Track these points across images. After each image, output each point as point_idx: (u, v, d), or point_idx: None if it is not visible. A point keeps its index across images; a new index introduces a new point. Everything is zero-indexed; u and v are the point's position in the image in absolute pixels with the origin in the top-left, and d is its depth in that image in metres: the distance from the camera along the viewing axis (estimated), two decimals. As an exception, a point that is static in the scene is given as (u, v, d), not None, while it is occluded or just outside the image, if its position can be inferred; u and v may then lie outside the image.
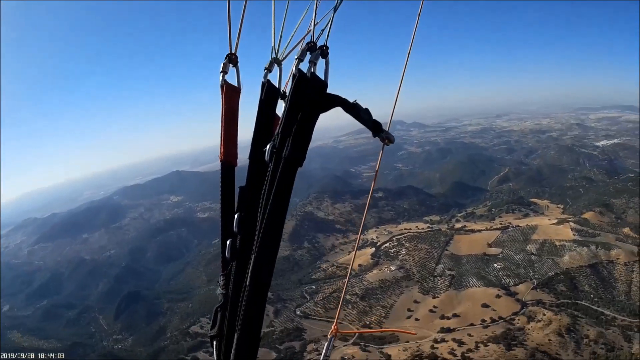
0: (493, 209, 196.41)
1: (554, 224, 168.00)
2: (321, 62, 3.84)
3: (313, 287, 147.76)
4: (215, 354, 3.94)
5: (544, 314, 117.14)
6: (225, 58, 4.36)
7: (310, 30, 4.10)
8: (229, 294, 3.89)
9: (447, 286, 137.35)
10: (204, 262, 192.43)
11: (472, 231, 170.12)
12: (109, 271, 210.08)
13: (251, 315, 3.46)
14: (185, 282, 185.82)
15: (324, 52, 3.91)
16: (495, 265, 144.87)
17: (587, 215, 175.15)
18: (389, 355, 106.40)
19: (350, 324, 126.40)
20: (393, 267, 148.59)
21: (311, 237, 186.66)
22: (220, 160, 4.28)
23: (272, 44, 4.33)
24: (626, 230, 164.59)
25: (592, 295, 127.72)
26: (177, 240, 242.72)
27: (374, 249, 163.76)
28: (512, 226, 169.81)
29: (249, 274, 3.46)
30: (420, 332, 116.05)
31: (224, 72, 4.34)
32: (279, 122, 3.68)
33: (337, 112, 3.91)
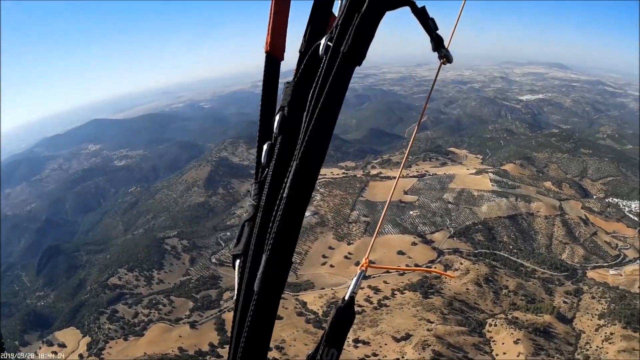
0: (410, 157, 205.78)
1: (472, 173, 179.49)
2: None
3: (228, 233, 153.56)
4: (236, 275, 3.73)
5: (461, 263, 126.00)
6: None
7: None
8: (260, 206, 3.64)
9: (362, 232, 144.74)
10: (120, 212, 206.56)
11: (388, 178, 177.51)
12: (30, 225, 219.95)
13: (285, 231, 3.20)
14: (102, 233, 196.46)
15: None
16: (411, 212, 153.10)
17: (507, 166, 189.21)
18: (305, 302, 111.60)
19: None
20: (307, 213, 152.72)
21: (226, 182, 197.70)
22: (265, 52, 4.12)
23: None
24: (547, 184, 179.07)
25: (511, 247, 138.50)
26: (95, 190, 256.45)
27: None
28: (429, 174, 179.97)
29: (288, 182, 3.19)
30: (335, 278, 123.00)
31: None
32: (338, 16, 3.42)
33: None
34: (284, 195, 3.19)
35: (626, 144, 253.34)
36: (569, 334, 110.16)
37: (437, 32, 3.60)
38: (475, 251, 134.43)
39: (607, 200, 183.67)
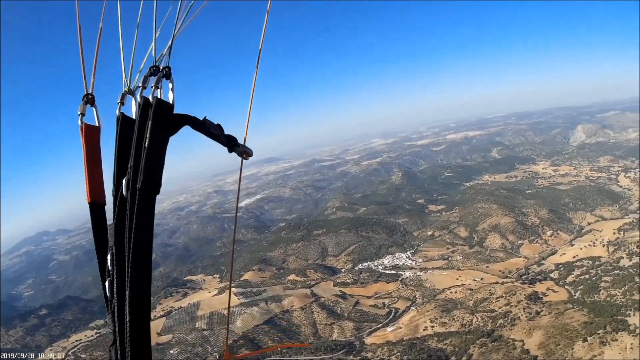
0: (151, 298, 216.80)
1: (215, 294, 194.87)
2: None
3: None
4: None
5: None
6: (82, 99, 5.53)
7: (163, 54, 5.44)
8: (116, 331, 4.89)
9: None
10: None
11: None
12: None
13: (138, 350, 4.51)
14: None
15: (167, 73, 5.08)
16: (171, 352, 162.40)
17: (247, 275, 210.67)
18: None
19: None
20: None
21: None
22: (88, 202, 5.33)
23: (123, 76, 5.53)
24: (292, 277, 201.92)
25: (279, 348, 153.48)
26: None
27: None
28: (175, 309, 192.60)
29: (128, 309, 4.50)
30: None
31: (82, 114, 5.49)
32: (130, 155, 4.68)
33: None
34: (127, 320, 4.51)
35: (358, 209, 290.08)
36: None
37: (226, 134, 5.03)
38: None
39: (357, 268, 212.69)
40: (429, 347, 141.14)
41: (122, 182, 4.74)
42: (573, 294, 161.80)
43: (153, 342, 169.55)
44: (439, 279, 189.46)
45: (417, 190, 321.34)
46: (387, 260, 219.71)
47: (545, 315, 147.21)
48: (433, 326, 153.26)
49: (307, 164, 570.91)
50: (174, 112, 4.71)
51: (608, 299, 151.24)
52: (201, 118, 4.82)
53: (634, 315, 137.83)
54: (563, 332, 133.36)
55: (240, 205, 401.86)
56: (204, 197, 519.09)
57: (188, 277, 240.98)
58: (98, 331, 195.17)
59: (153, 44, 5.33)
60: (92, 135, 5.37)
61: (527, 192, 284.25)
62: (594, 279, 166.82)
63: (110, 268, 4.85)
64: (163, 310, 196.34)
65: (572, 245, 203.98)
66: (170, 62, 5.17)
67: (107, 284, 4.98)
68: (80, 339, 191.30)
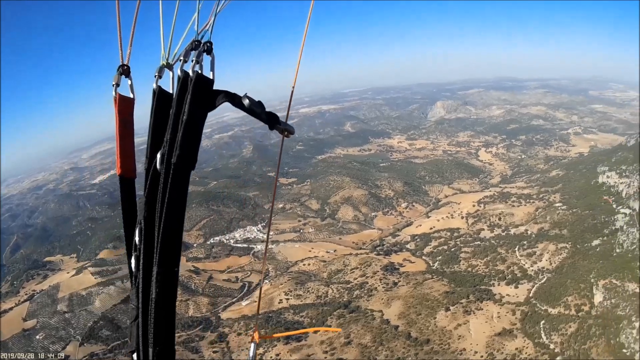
0: (15, 282, 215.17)
1: (74, 275, 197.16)
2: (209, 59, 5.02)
3: None
4: None
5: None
6: (117, 70, 5.58)
7: (204, 29, 5.49)
8: (139, 307, 4.89)
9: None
10: None
11: (6, 311, 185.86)
12: None
13: (161, 326, 4.59)
14: None
15: (208, 48, 5.11)
16: (37, 337, 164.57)
17: (102, 254, 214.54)
18: None
19: None
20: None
21: None
22: (118, 175, 5.48)
23: (162, 50, 5.54)
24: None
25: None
26: None
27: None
28: (37, 292, 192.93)
29: (154, 285, 4.56)
30: None
31: (116, 84, 5.54)
32: (167, 129, 4.79)
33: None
34: (153, 297, 4.56)
35: (209, 182, 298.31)
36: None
37: (267, 111, 5.01)
38: (110, 347, 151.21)
39: (208, 242, 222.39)
40: (285, 319, 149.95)
41: (155, 156, 5.06)
42: (431, 264, 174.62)
43: (19, 329, 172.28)
44: (292, 252, 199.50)
45: (268, 164, 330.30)
46: (238, 234, 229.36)
47: (403, 285, 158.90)
48: (288, 299, 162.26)
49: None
50: (214, 88, 5.07)
51: (469, 269, 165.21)
52: (241, 95, 5.15)
53: (498, 284, 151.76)
54: (423, 302, 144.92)
55: (94, 182, 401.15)
56: (61, 175, 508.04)
57: (47, 258, 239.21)
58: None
59: (196, 15, 5.58)
60: (125, 107, 5.70)
61: (381, 165, 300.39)
62: (453, 249, 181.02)
63: (137, 242, 5.17)
64: (26, 294, 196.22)
65: (429, 217, 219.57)
66: (211, 37, 5.44)
67: (133, 259, 5.33)
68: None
